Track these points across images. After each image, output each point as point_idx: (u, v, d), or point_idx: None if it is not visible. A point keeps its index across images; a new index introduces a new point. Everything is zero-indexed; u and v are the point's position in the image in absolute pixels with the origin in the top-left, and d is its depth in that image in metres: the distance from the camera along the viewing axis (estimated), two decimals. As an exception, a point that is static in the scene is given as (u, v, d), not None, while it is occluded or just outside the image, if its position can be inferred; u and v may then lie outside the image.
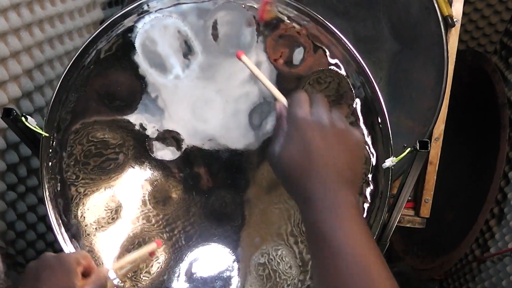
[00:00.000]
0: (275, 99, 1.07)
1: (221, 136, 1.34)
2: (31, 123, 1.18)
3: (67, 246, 1.31)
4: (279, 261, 1.36)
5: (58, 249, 1.63)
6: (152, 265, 1.37)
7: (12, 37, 1.31)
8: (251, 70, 1.13)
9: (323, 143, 0.91)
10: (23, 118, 1.16)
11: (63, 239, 1.31)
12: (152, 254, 1.29)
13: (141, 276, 1.36)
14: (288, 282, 1.34)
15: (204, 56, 1.27)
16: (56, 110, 1.24)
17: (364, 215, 1.28)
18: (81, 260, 1.08)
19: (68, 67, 1.21)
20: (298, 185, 0.92)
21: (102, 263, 1.32)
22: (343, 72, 1.23)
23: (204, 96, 1.31)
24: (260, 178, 1.36)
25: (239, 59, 1.13)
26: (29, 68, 1.40)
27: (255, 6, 1.21)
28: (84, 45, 1.20)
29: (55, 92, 1.22)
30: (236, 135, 1.34)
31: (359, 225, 0.87)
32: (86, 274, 1.10)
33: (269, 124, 1.32)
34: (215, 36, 1.25)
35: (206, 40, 1.25)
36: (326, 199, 0.88)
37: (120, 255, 1.34)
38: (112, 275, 1.18)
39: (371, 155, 1.25)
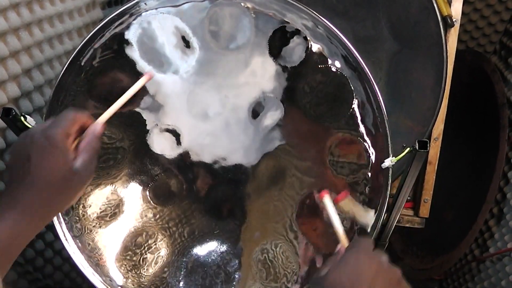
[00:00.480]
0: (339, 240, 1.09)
1: (221, 132, 1.34)
2: (30, 122, 1.17)
3: (69, 244, 1.31)
4: (279, 255, 1.36)
5: (59, 248, 1.64)
6: (154, 260, 1.37)
7: (11, 37, 1.31)
8: (328, 210, 1.15)
9: (375, 277, 0.89)
10: (22, 118, 1.15)
11: (65, 236, 1.31)
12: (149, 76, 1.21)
13: (143, 272, 1.36)
14: (288, 277, 1.34)
15: (202, 52, 1.27)
16: (55, 110, 1.25)
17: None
18: (70, 128, 0.99)
19: (66, 65, 1.21)
20: None
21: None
22: (342, 71, 1.23)
23: (203, 91, 1.31)
24: (260, 173, 1.36)
25: (321, 200, 1.17)
26: (28, 67, 1.39)
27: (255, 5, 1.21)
28: (82, 43, 1.21)
29: (54, 91, 1.22)
30: (235, 131, 1.34)
31: None
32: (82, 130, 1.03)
33: (268, 119, 1.32)
34: (213, 32, 1.25)
35: (204, 36, 1.25)
36: None
37: (122, 251, 1.35)
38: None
39: (370, 154, 1.26)
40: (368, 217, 1.28)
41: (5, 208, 0.92)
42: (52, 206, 0.98)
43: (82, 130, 1.03)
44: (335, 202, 1.19)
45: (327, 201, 1.16)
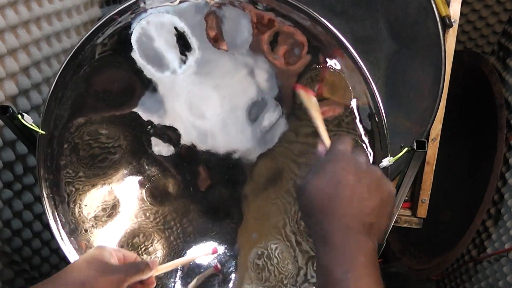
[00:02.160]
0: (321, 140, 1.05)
1: (219, 132, 1.34)
2: (28, 120, 1.18)
3: (65, 244, 1.31)
4: (276, 257, 1.36)
5: (55, 247, 1.64)
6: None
7: (9, 35, 1.31)
8: (306, 105, 1.12)
9: (355, 181, 0.87)
10: (19, 116, 1.16)
11: (61, 236, 1.31)
12: (216, 268, 1.37)
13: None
14: (285, 278, 1.34)
15: (201, 52, 1.27)
16: (52, 108, 1.24)
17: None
18: (124, 267, 1.10)
19: (64, 64, 1.21)
20: (318, 220, 0.88)
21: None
22: (340, 71, 1.23)
23: (201, 91, 1.31)
24: (257, 174, 1.36)
25: (295, 89, 1.16)
26: (26, 65, 1.39)
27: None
28: (80, 42, 1.20)
29: (51, 90, 1.22)
30: (233, 131, 1.34)
31: (372, 275, 0.84)
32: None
33: (266, 120, 1.32)
34: (212, 33, 1.25)
35: (203, 36, 1.25)
36: (343, 241, 0.85)
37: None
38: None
39: (368, 154, 1.26)
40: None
41: None
42: None
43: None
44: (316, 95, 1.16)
45: (302, 94, 1.14)
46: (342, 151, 0.91)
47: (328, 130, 1.23)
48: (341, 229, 0.85)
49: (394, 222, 1.29)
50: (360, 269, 0.83)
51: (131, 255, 1.15)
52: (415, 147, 1.11)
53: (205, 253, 1.31)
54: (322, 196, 0.88)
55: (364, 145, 1.26)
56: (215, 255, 1.38)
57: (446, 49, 1.48)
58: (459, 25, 1.59)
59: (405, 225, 1.75)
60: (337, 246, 0.84)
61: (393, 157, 1.17)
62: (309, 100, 1.12)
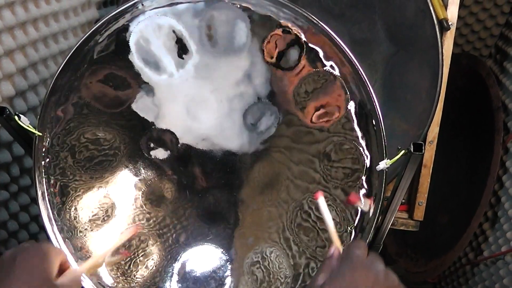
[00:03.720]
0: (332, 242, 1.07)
1: (215, 136, 1.34)
2: (24, 122, 1.17)
3: (60, 246, 1.30)
4: (272, 261, 1.36)
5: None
6: (145, 265, 1.37)
7: (6, 36, 1.31)
8: (322, 212, 1.14)
9: None
10: (16, 117, 1.15)
11: (56, 239, 1.30)
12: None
13: (134, 276, 1.35)
14: (281, 283, 1.34)
15: (199, 56, 1.27)
16: (49, 109, 1.24)
17: (358, 217, 1.29)
18: (60, 253, 1.04)
19: (62, 66, 1.20)
20: None
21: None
22: (338, 73, 1.23)
23: (198, 95, 1.31)
24: (254, 178, 1.36)
25: (316, 199, 1.15)
26: (23, 66, 1.39)
27: (251, 8, 1.21)
28: (78, 44, 1.20)
29: (49, 91, 1.21)
30: (230, 135, 1.34)
31: None
32: (61, 270, 1.05)
33: (263, 125, 1.32)
34: (210, 36, 1.25)
35: (201, 39, 1.25)
36: None
37: (113, 255, 1.34)
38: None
39: (365, 157, 1.26)
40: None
41: None
42: None
43: (64, 265, 1.07)
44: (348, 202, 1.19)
45: (321, 201, 1.15)
46: (360, 258, 0.91)
47: (326, 131, 1.24)
48: None
49: (391, 225, 1.29)
50: None
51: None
52: (412, 150, 1.10)
53: (127, 233, 1.28)
54: None
55: (361, 147, 1.26)
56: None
57: (444, 52, 1.48)
58: (457, 28, 1.60)
59: (402, 228, 1.74)
60: None
61: (390, 159, 1.17)
62: (326, 206, 1.15)
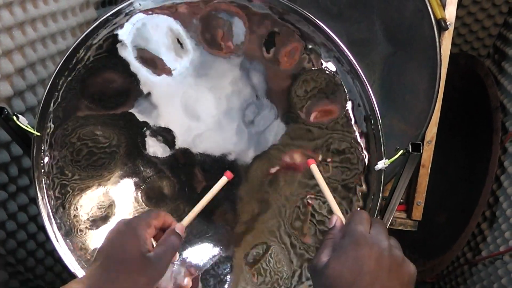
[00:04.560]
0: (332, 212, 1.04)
1: (214, 134, 1.34)
2: (23, 122, 1.17)
3: (60, 245, 1.30)
4: (271, 258, 1.35)
5: (50, 249, 1.64)
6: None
7: (4, 36, 1.31)
8: (317, 179, 1.12)
9: (376, 266, 0.87)
10: (14, 117, 1.15)
11: (56, 238, 1.30)
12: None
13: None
14: (280, 279, 1.34)
15: (196, 54, 1.27)
16: (47, 109, 1.24)
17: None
18: (152, 221, 1.03)
19: (59, 65, 1.21)
20: None
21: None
22: (336, 73, 1.23)
23: (196, 93, 1.31)
24: (252, 175, 1.36)
25: (308, 166, 1.14)
26: (21, 67, 1.39)
27: (249, 6, 1.21)
28: (75, 43, 1.20)
29: (46, 91, 1.22)
30: (229, 133, 1.34)
31: None
32: (164, 229, 1.07)
33: (262, 122, 1.32)
34: (207, 34, 1.25)
35: (198, 38, 1.25)
36: None
37: None
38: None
39: (363, 156, 1.26)
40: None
41: (77, 281, 0.95)
42: None
43: (163, 229, 1.07)
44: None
45: (313, 168, 1.13)
46: (363, 234, 0.90)
47: (325, 129, 1.24)
48: None
49: (389, 225, 1.29)
50: None
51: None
52: (410, 150, 1.11)
53: (222, 182, 1.25)
54: (342, 281, 0.87)
55: (359, 147, 1.26)
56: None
57: (442, 52, 1.48)
58: (455, 28, 1.60)
59: (400, 228, 1.75)
60: None
61: (388, 159, 1.17)
62: (320, 173, 1.13)
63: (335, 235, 0.96)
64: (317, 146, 1.30)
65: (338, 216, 1.01)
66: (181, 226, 1.08)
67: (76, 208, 1.32)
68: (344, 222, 0.99)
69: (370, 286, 0.85)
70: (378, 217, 1.28)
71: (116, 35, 1.23)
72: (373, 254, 0.87)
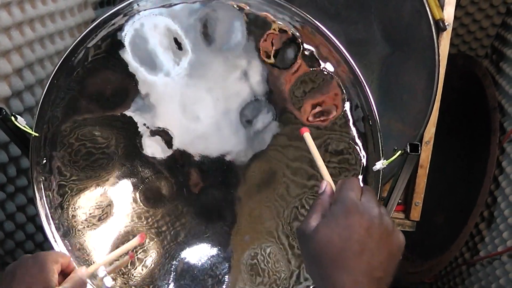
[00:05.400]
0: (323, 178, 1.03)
1: (212, 134, 1.34)
2: (21, 122, 1.17)
3: (58, 246, 1.30)
4: (269, 258, 1.36)
5: (48, 249, 1.64)
6: (143, 263, 1.37)
7: (2, 36, 1.31)
8: (309, 147, 1.10)
9: (366, 234, 0.87)
10: (12, 118, 1.15)
11: (54, 238, 1.30)
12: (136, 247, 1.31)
13: (132, 274, 1.35)
14: (278, 280, 1.34)
15: (194, 54, 1.27)
16: (46, 110, 1.24)
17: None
18: (59, 258, 1.06)
19: (58, 66, 1.21)
20: (326, 271, 0.87)
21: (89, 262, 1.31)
22: (334, 73, 1.23)
23: (194, 94, 1.31)
24: (250, 176, 1.36)
25: (301, 134, 1.12)
26: (19, 67, 1.39)
27: (247, 7, 1.21)
28: (74, 44, 1.20)
29: (45, 91, 1.21)
30: (227, 133, 1.34)
31: None
32: (65, 273, 1.08)
33: (260, 123, 1.32)
34: (206, 35, 1.25)
35: (197, 38, 1.25)
36: None
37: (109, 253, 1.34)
38: (99, 273, 1.18)
39: (361, 156, 1.26)
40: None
41: None
42: None
43: (66, 273, 1.09)
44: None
45: (307, 137, 1.11)
46: (354, 201, 0.90)
47: (323, 130, 1.23)
48: (350, 284, 0.85)
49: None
50: None
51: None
52: (408, 150, 1.11)
53: (133, 243, 1.28)
54: (331, 248, 0.87)
55: (357, 147, 1.26)
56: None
57: (440, 52, 1.48)
58: (453, 28, 1.60)
59: (398, 228, 1.75)
60: None
61: (387, 160, 1.17)
62: (312, 141, 1.12)
63: (325, 201, 0.95)
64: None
65: (328, 182, 1.00)
66: (86, 271, 1.11)
67: (74, 208, 1.32)
68: (334, 189, 0.99)
69: (358, 254, 0.85)
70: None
71: (115, 35, 1.23)
72: (363, 223, 0.87)
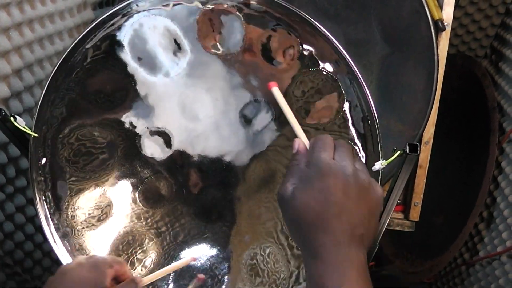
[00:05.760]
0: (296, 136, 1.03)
1: (211, 134, 1.34)
2: (20, 123, 1.17)
3: (58, 246, 1.30)
4: (268, 259, 1.36)
5: (47, 250, 1.64)
6: (142, 263, 1.37)
7: (1, 37, 1.31)
8: (279, 103, 1.10)
9: (343, 195, 0.87)
10: (12, 118, 1.15)
11: (53, 239, 1.30)
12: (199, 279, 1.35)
13: (132, 274, 1.35)
14: (278, 280, 1.34)
15: (193, 55, 1.27)
16: (45, 110, 1.24)
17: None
18: (114, 264, 1.05)
19: (57, 66, 1.21)
20: (307, 235, 0.88)
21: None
22: (333, 74, 1.23)
23: (194, 94, 1.31)
24: (250, 176, 1.36)
25: (269, 89, 1.12)
26: (18, 68, 1.39)
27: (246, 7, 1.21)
28: (73, 44, 1.20)
29: (44, 92, 1.21)
30: (226, 134, 1.34)
31: (364, 286, 0.85)
32: (118, 280, 1.07)
33: (259, 123, 1.32)
34: (205, 35, 1.25)
35: (196, 39, 1.25)
36: (334, 256, 0.85)
37: (111, 254, 1.34)
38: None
39: (360, 157, 1.26)
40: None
41: None
42: None
43: (120, 280, 1.07)
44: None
45: (275, 91, 1.11)
46: (327, 163, 0.90)
47: (322, 130, 1.23)
48: (331, 244, 0.85)
49: (387, 225, 1.29)
50: (353, 283, 0.84)
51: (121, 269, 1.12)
52: (407, 151, 1.10)
53: (185, 262, 1.31)
54: (309, 212, 0.87)
55: (356, 148, 1.26)
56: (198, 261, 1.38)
57: (439, 53, 1.48)
58: (452, 29, 1.60)
59: (397, 228, 1.75)
60: (328, 261, 0.85)
61: (386, 160, 1.16)
62: (282, 96, 1.11)
63: (299, 161, 0.95)
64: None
65: (301, 141, 1.00)
66: (140, 280, 1.09)
67: (74, 209, 1.32)
68: (308, 147, 0.98)
69: (337, 216, 0.86)
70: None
71: (114, 36, 1.23)
72: (338, 183, 0.88)
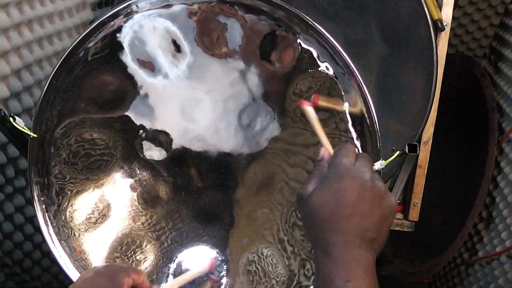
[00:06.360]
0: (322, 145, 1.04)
1: (211, 136, 1.34)
2: (19, 123, 1.17)
3: (56, 247, 1.30)
4: (267, 261, 1.36)
5: (46, 250, 1.64)
6: (141, 266, 1.37)
7: (0, 37, 1.31)
8: (310, 120, 1.09)
9: (358, 198, 0.89)
10: (11, 119, 1.15)
11: (52, 240, 1.30)
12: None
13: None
14: (276, 283, 1.34)
15: (193, 57, 1.27)
16: (44, 111, 1.24)
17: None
18: (131, 273, 1.07)
19: (57, 67, 1.20)
20: (319, 232, 0.90)
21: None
22: (332, 74, 1.23)
23: (193, 96, 1.31)
24: (249, 178, 1.36)
25: (300, 107, 1.11)
26: (17, 68, 1.39)
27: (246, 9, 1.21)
28: (73, 45, 1.20)
29: (43, 93, 1.21)
30: (225, 136, 1.34)
31: (370, 285, 0.87)
32: None
33: (258, 125, 1.32)
34: (204, 37, 1.25)
35: (195, 40, 1.25)
36: (343, 254, 0.87)
37: (109, 256, 1.34)
38: None
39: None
40: (344, 105, 1.26)
41: None
42: None
43: (140, 285, 1.10)
44: (314, 105, 1.15)
45: (306, 109, 1.09)
46: (347, 166, 0.92)
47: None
48: (341, 244, 0.87)
49: (387, 226, 1.29)
50: (359, 280, 0.85)
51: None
52: (407, 151, 1.11)
53: (204, 269, 1.32)
54: (323, 211, 0.89)
55: (356, 148, 1.25)
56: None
57: (438, 53, 1.48)
58: (451, 29, 1.60)
59: (397, 228, 1.75)
60: (338, 258, 0.87)
61: (385, 160, 1.16)
62: (313, 113, 1.12)
63: (323, 167, 0.98)
64: (313, 149, 1.30)
65: (327, 149, 1.02)
66: None
67: (72, 210, 1.32)
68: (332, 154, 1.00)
69: (349, 217, 0.88)
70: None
71: (114, 37, 1.23)
72: (355, 186, 0.89)
